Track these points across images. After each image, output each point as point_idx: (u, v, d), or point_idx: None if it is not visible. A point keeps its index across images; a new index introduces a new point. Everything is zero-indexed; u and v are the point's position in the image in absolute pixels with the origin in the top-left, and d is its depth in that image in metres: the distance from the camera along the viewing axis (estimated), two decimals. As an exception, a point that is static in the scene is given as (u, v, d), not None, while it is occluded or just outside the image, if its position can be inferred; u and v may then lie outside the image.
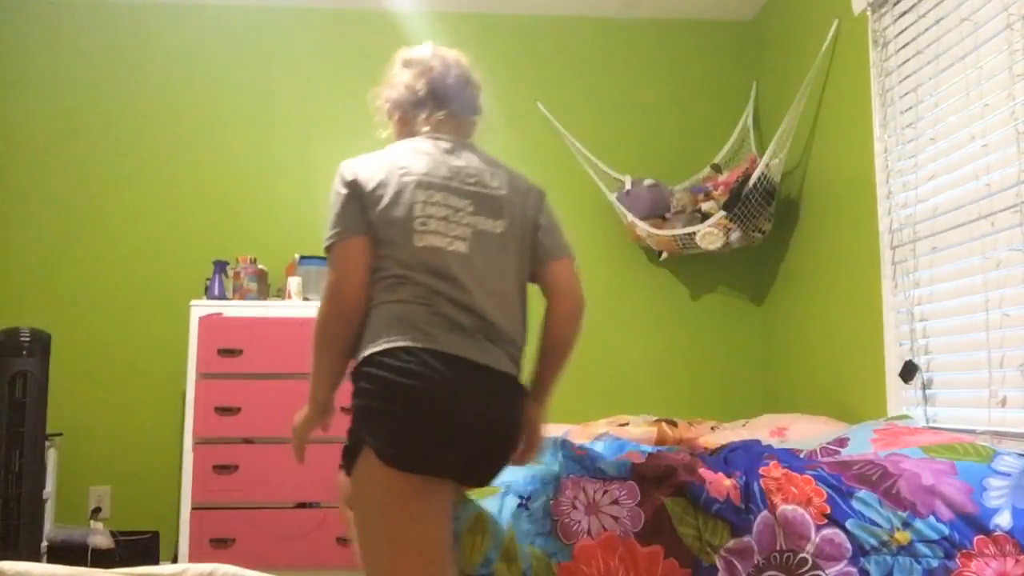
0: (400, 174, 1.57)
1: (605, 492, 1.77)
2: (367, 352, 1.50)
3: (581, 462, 1.88)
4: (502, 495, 1.76)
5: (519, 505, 1.74)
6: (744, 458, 1.94)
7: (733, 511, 1.73)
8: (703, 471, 1.81)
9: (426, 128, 1.67)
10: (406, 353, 1.44)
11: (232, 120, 3.76)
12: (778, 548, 1.68)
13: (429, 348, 1.44)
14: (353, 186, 1.59)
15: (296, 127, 3.78)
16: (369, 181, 1.58)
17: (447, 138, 1.66)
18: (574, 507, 1.75)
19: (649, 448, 2.09)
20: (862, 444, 2.08)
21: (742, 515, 1.73)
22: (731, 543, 1.71)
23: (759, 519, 1.71)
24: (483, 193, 1.60)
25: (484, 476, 1.59)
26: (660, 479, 1.79)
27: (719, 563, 1.69)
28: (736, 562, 1.69)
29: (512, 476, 1.80)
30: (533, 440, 1.66)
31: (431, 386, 1.42)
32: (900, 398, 2.62)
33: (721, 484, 1.78)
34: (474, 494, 1.77)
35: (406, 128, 1.71)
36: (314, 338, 1.58)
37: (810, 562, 1.67)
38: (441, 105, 1.68)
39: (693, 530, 1.73)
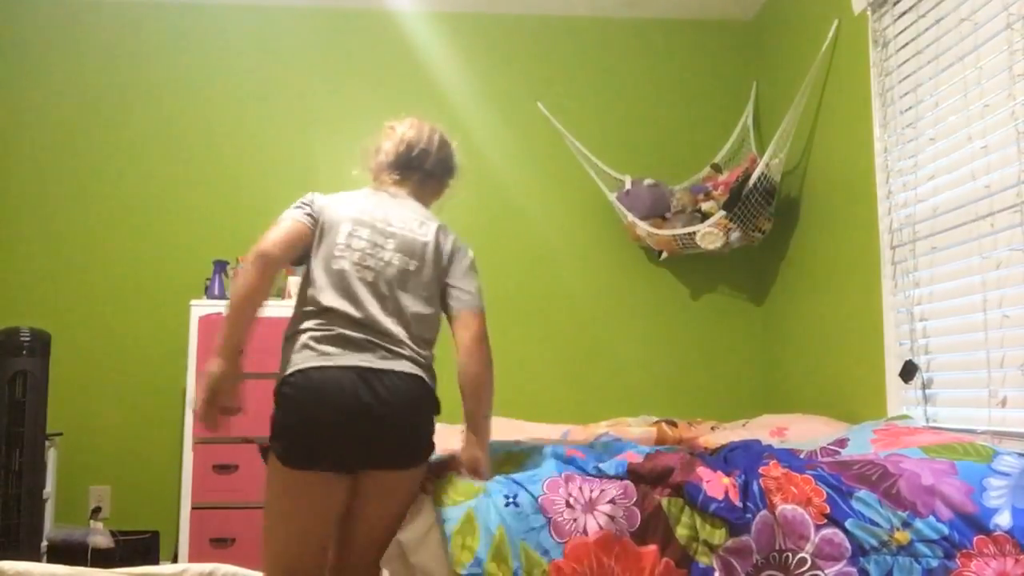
0: (342, 209, 1.93)
1: (602, 491, 1.77)
2: (282, 375, 1.82)
3: (574, 462, 1.88)
4: (489, 494, 1.76)
5: (507, 504, 1.74)
6: (744, 457, 1.94)
7: (731, 510, 1.73)
8: (701, 470, 1.81)
9: (384, 184, 2.05)
10: (300, 373, 1.77)
11: (232, 120, 3.76)
12: (777, 548, 1.68)
13: (319, 365, 1.76)
14: (309, 205, 1.95)
15: (296, 127, 3.78)
16: (321, 210, 1.93)
17: (393, 191, 2.02)
18: (568, 505, 1.74)
19: (648, 448, 2.09)
20: (862, 445, 2.08)
21: (740, 514, 1.72)
22: (729, 542, 1.70)
23: (758, 518, 1.71)
24: (406, 236, 1.91)
25: (381, 455, 1.78)
26: (657, 479, 1.79)
27: (716, 563, 1.69)
28: (734, 562, 1.69)
29: (496, 477, 1.81)
30: (479, 474, 1.90)
31: (306, 395, 1.75)
32: (900, 398, 2.62)
33: (719, 483, 1.77)
34: (461, 495, 1.77)
35: (375, 183, 2.09)
36: (235, 285, 1.85)
37: (809, 562, 1.66)
38: (398, 171, 2.04)
39: (690, 531, 1.73)
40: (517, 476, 1.82)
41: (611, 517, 1.73)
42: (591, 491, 1.77)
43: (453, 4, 3.82)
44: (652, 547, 1.71)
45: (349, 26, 3.84)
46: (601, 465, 1.84)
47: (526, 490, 1.77)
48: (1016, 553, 1.64)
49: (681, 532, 1.73)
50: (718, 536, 1.71)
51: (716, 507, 1.73)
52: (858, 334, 2.89)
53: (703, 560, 1.70)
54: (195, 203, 3.70)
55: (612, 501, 1.75)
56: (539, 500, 1.75)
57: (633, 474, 1.80)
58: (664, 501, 1.75)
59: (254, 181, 3.74)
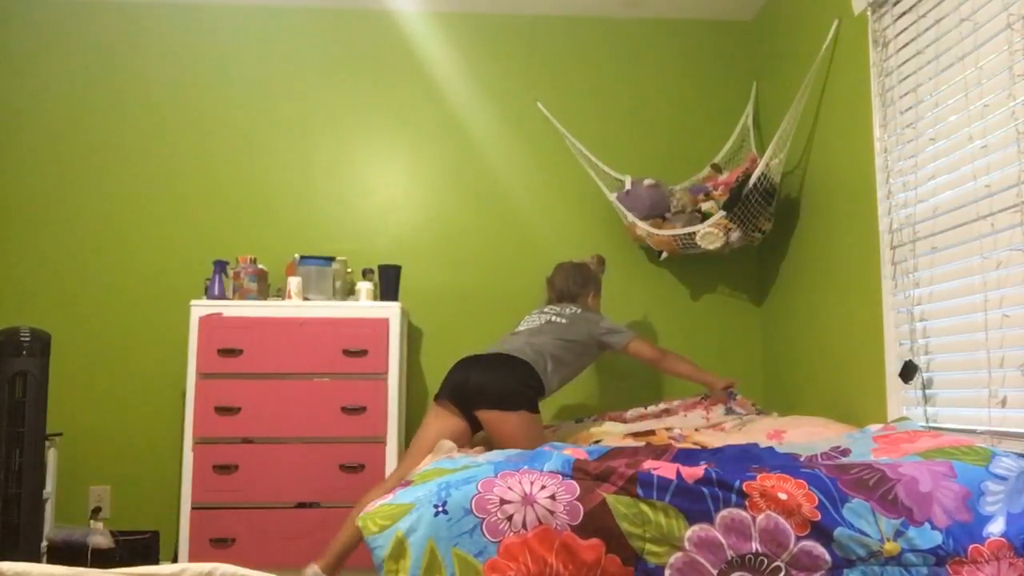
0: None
1: (543, 486, 1.71)
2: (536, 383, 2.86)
3: (516, 463, 1.82)
4: (417, 509, 1.70)
5: (436, 514, 1.68)
6: (732, 461, 1.93)
7: (686, 492, 1.67)
8: (648, 462, 1.76)
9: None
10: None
11: (232, 120, 3.76)
12: (753, 551, 1.64)
13: None
14: None
15: (296, 127, 3.78)
16: None
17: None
18: (504, 501, 1.68)
19: (605, 448, 2.05)
20: (863, 455, 2.08)
21: (697, 501, 1.67)
22: (692, 532, 1.65)
23: (730, 513, 1.66)
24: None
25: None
26: (603, 476, 1.73)
27: (678, 562, 1.63)
28: (701, 559, 1.64)
29: (424, 488, 1.75)
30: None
31: None
32: (900, 398, 2.62)
33: (671, 467, 1.72)
34: (387, 519, 1.71)
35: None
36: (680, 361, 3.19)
37: (783, 570, 1.63)
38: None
39: (639, 528, 1.66)
40: (451, 478, 1.77)
41: (550, 511, 1.67)
42: (530, 483, 1.71)
43: (453, 4, 3.82)
44: (595, 541, 1.65)
45: (349, 26, 3.85)
46: (544, 464, 1.80)
47: (459, 491, 1.71)
48: (1011, 556, 1.64)
49: (628, 528, 1.66)
50: (678, 527, 1.65)
51: (672, 488, 1.68)
52: (858, 334, 2.89)
53: (652, 560, 1.64)
54: (195, 203, 3.70)
55: (552, 496, 1.69)
56: (472, 500, 1.69)
57: (579, 471, 1.75)
58: (610, 498, 1.69)
59: (254, 181, 3.74)
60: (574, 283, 3.20)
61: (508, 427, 2.70)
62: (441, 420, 2.82)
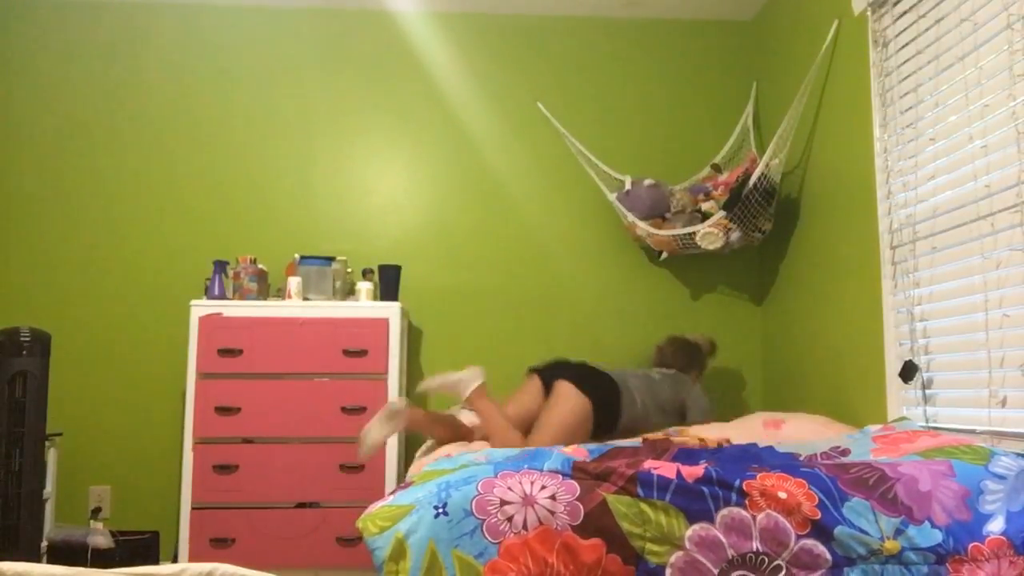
0: None
1: (543, 486, 1.70)
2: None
3: (516, 462, 1.83)
4: (417, 510, 1.69)
5: (436, 515, 1.67)
6: (732, 460, 1.92)
7: (686, 491, 1.67)
8: (649, 462, 1.76)
9: None
10: None
11: (232, 120, 3.77)
12: (753, 550, 1.64)
13: None
14: None
15: (296, 127, 3.78)
16: None
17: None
18: (504, 503, 1.67)
19: (604, 447, 2.05)
20: (863, 455, 2.08)
21: (697, 500, 1.66)
22: (692, 531, 1.64)
23: (730, 512, 1.66)
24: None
25: None
26: (603, 476, 1.72)
27: (678, 561, 1.63)
28: (702, 558, 1.64)
29: (424, 489, 1.74)
30: None
31: None
32: (900, 398, 2.62)
33: (671, 467, 1.72)
34: (387, 520, 1.70)
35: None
36: None
37: (784, 569, 1.64)
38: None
39: (639, 527, 1.65)
40: (451, 478, 1.76)
41: (551, 512, 1.66)
42: (530, 484, 1.71)
43: (453, 4, 3.82)
44: (596, 541, 1.64)
45: (349, 26, 3.85)
46: (543, 463, 1.79)
47: (459, 492, 1.70)
48: (1011, 555, 1.64)
49: (629, 528, 1.65)
50: (678, 527, 1.65)
51: (672, 488, 1.68)
52: (858, 334, 2.89)
53: (653, 560, 1.63)
54: (195, 203, 3.71)
55: (553, 496, 1.68)
56: (472, 502, 1.68)
57: (579, 471, 1.75)
58: (610, 497, 1.68)
59: (254, 181, 3.74)
60: (682, 362, 3.31)
61: (569, 404, 2.80)
62: (536, 386, 2.97)
